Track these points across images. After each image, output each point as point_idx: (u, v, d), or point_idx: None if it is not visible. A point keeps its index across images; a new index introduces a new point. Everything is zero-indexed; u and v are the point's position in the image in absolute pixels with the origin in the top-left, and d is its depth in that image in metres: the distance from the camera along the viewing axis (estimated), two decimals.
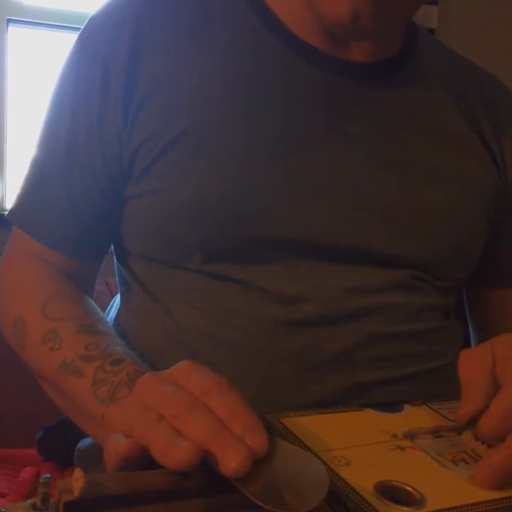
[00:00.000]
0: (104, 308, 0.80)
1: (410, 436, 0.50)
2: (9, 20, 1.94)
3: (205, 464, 0.38)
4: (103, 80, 0.65)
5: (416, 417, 0.54)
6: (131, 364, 0.55)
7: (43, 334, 0.62)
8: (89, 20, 0.69)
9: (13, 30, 1.96)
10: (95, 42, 0.67)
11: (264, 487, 0.37)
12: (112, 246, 0.75)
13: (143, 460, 0.40)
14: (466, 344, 0.80)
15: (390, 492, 0.41)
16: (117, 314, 0.74)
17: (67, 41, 2.01)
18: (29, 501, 0.34)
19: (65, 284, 0.68)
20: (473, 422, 0.49)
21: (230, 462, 0.37)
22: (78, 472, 0.35)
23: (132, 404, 0.44)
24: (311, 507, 0.36)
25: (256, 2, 0.68)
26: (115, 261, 0.76)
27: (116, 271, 0.76)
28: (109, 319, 0.76)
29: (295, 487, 0.38)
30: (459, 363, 0.52)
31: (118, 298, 0.77)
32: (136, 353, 0.67)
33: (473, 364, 0.51)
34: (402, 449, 0.48)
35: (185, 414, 0.40)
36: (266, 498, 0.36)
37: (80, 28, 0.70)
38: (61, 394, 0.62)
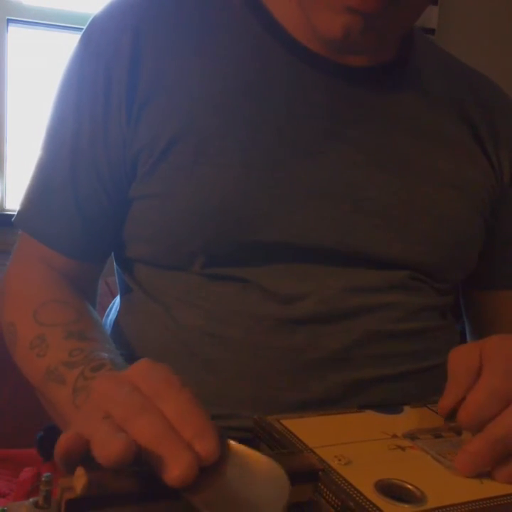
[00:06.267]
0: (104, 308, 0.80)
1: (410, 436, 0.50)
2: (9, 20, 1.95)
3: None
4: (106, 83, 0.65)
5: (416, 418, 0.54)
6: (110, 370, 0.54)
7: (31, 340, 0.62)
8: (91, 22, 0.69)
9: (13, 30, 1.96)
10: (98, 44, 0.67)
11: (214, 496, 0.34)
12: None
13: (86, 457, 0.38)
14: (463, 343, 0.81)
15: (391, 490, 0.41)
16: (117, 316, 0.74)
17: (67, 41, 2.01)
18: (31, 500, 0.34)
19: (64, 289, 0.68)
20: (454, 414, 0.49)
21: (174, 469, 0.35)
22: (80, 470, 0.35)
23: (87, 404, 0.43)
24: None
25: (257, 7, 0.68)
26: (114, 264, 0.76)
27: (115, 273, 0.76)
28: (109, 321, 0.76)
29: (249, 497, 0.35)
30: (449, 360, 0.52)
31: (118, 299, 0.77)
32: (137, 353, 0.67)
33: (460, 361, 0.51)
34: (402, 448, 0.48)
35: (133, 417, 0.38)
36: (215, 508, 0.33)
37: (79, 28, 0.69)
38: (47, 401, 0.62)
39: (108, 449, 0.35)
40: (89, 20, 0.69)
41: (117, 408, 0.39)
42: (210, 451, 0.36)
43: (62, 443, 0.38)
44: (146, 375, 0.41)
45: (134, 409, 0.38)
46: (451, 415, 0.49)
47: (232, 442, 0.39)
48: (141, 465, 0.36)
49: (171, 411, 0.38)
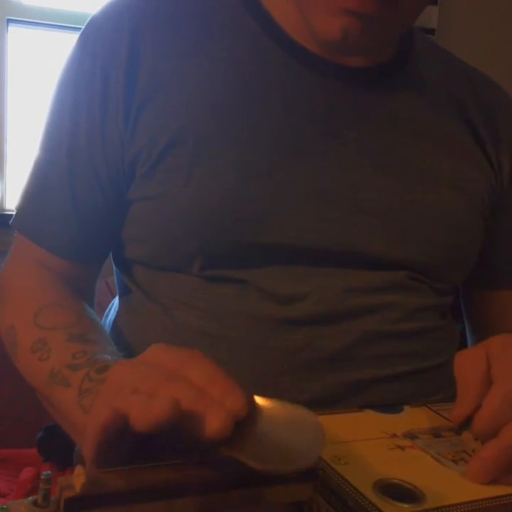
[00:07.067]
0: (104, 308, 0.80)
1: (410, 436, 0.50)
2: (9, 20, 1.95)
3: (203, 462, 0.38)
4: (103, 83, 0.65)
5: (416, 418, 0.54)
6: None
7: (32, 343, 0.62)
8: (89, 23, 0.69)
9: (13, 30, 1.96)
10: (95, 44, 0.67)
11: (254, 447, 0.36)
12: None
13: (123, 434, 0.39)
14: (463, 343, 0.81)
15: (390, 489, 0.41)
16: (116, 316, 0.74)
17: (67, 41, 2.01)
18: (30, 498, 0.34)
19: (62, 292, 0.68)
20: (467, 423, 0.49)
21: (214, 422, 0.36)
22: (79, 469, 0.35)
23: (106, 388, 0.43)
24: (308, 462, 0.36)
25: (255, 7, 0.68)
26: (114, 266, 0.76)
27: (114, 274, 0.76)
28: (108, 321, 0.76)
29: (288, 444, 0.37)
30: (454, 365, 0.52)
31: (116, 300, 0.77)
32: (136, 353, 0.67)
33: (467, 365, 0.51)
34: (401, 448, 0.48)
35: (163, 385, 0.39)
36: (258, 459, 0.35)
37: (79, 28, 0.69)
38: (51, 404, 0.61)
39: (152, 412, 0.36)
40: (87, 21, 0.69)
41: (144, 382, 0.40)
42: (240, 406, 0.38)
43: (102, 421, 0.38)
44: (166, 351, 0.42)
45: (161, 380, 0.39)
46: (465, 423, 0.49)
47: (262, 398, 0.41)
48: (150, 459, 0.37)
49: (197, 377, 0.40)
